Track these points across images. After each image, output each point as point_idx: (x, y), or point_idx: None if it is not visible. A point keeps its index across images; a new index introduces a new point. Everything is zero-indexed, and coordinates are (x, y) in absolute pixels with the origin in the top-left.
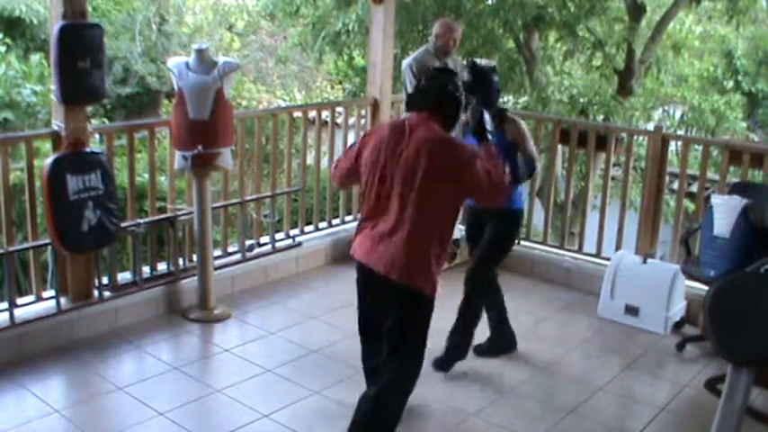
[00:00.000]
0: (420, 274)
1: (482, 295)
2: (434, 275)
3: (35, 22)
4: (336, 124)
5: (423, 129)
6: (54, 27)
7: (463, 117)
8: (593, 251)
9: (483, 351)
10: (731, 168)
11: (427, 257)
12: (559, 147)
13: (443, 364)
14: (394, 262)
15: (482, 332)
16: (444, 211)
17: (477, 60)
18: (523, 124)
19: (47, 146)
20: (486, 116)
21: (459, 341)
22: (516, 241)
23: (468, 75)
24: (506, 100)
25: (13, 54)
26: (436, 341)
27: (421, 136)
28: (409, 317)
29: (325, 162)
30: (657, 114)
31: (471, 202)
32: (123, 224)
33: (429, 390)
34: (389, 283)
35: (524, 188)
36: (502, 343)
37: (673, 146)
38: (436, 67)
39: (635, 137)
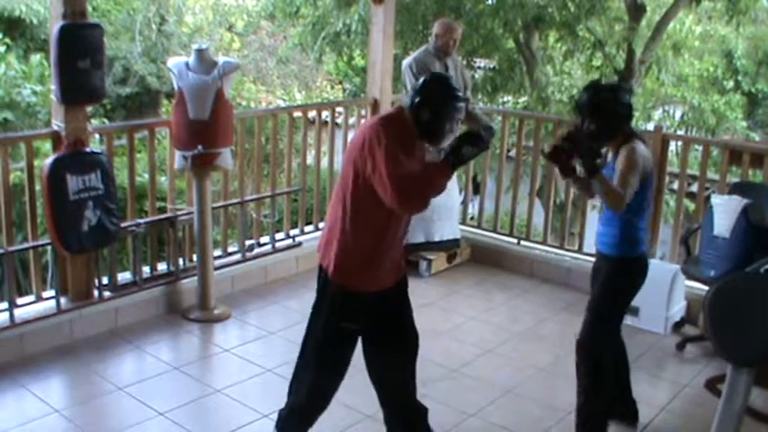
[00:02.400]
0: (326, 253)
1: (595, 349)
2: (338, 260)
3: (35, 22)
4: (336, 124)
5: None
6: (54, 27)
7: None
8: (593, 251)
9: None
10: (731, 168)
11: (331, 241)
12: None
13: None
14: (319, 243)
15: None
16: (346, 196)
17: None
18: (638, 154)
19: (47, 146)
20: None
21: (596, 405)
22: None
23: (586, 98)
24: (506, 100)
25: (13, 54)
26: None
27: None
28: (316, 302)
29: (325, 162)
30: (657, 114)
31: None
32: (123, 224)
33: (428, 390)
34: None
35: (646, 232)
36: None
37: (673, 146)
38: (435, 72)
39: None
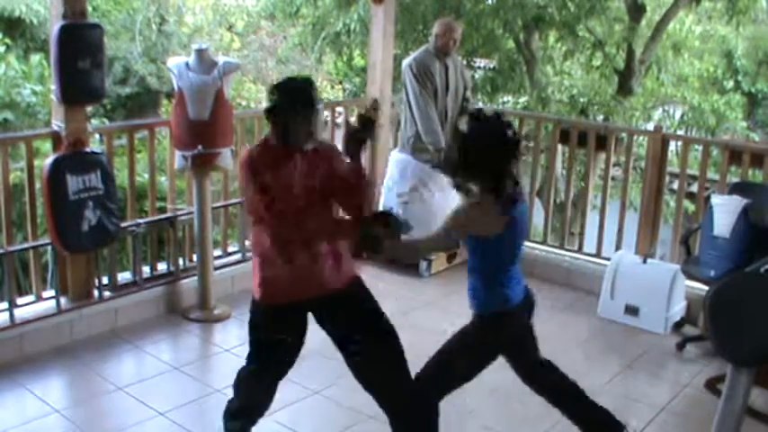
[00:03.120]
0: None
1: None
2: (258, 278)
3: (35, 22)
4: (336, 124)
5: None
6: (54, 27)
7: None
8: (594, 251)
9: None
10: (731, 168)
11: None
12: (559, 147)
13: None
14: None
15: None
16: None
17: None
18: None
19: (47, 146)
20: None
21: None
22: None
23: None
24: (506, 100)
25: (13, 54)
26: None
27: None
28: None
29: None
30: (657, 114)
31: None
32: (123, 224)
33: None
34: None
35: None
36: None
37: (673, 146)
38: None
39: (635, 137)
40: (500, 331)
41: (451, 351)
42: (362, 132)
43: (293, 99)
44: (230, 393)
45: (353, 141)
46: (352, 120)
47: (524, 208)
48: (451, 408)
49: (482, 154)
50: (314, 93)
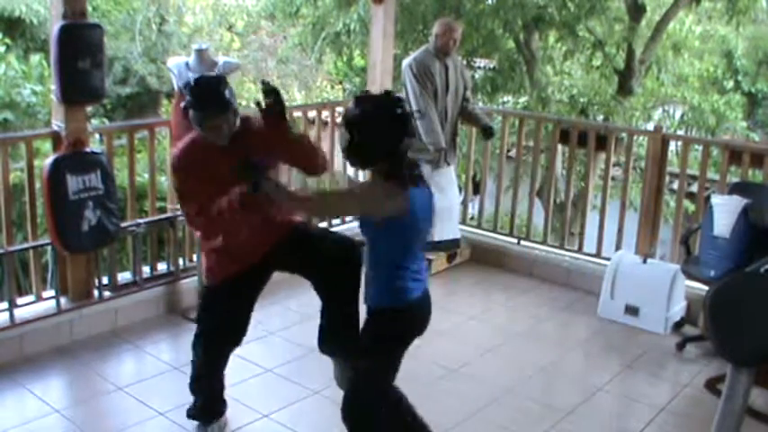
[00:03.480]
0: None
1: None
2: (210, 263)
3: (35, 22)
4: (336, 124)
5: None
6: (54, 27)
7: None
8: (594, 251)
9: None
10: (731, 168)
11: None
12: (559, 147)
13: None
14: None
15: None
16: None
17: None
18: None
19: (47, 146)
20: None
21: None
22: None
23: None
24: (506, 100)
25: (13, 54)
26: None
27: None
28: None
29: None
30: (657, 114)
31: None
32: (123, 224)
33: (428, 389)
34: None
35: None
36: None
37: (673, 146)
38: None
39: (635, 137)
40: (393, 328)
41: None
42: (276, 105)
43: (203, 99)
44: (230, 393)
45: (271, 116)
46: (261, 99)
47: (422, 194)
48: (452, 408)
49: (368, 133)
50: (223, 92)
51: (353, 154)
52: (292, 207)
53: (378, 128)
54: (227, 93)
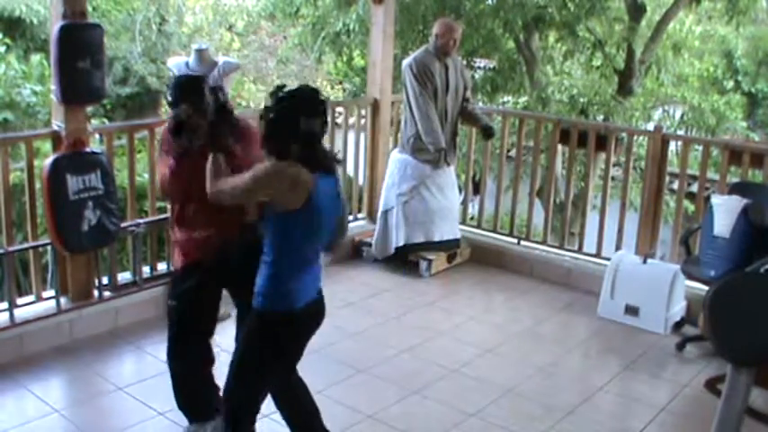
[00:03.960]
0: None
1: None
2: (176, 254)
3: (35, 22)
4: (336, 124)
5: None
6: (54, 27)
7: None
8: (594, 251)
9: None
10: (731, 168)
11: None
12: (559, 147)
13: None
14: None
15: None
16: None
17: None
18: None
19: (47, 146)
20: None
21: None
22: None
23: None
24: (506, 100)
25: (13, 54)
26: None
27: None
28: None
29: None
30: (657, 114)
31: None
32: (123, 224)
33: (428, 389)
34: None
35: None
36: None
37: (673, 146)
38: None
39: (635, 137)
40: (282, 333)
41: (242, 359)
42: (220, 119)
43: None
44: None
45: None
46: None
47: (326, 184)
48: (452, 407)
49: (269, 121)
50: (201, 87)
51: (265, 145)
52: (210, 165)
53: (274, 113)
54: (206, 89)
